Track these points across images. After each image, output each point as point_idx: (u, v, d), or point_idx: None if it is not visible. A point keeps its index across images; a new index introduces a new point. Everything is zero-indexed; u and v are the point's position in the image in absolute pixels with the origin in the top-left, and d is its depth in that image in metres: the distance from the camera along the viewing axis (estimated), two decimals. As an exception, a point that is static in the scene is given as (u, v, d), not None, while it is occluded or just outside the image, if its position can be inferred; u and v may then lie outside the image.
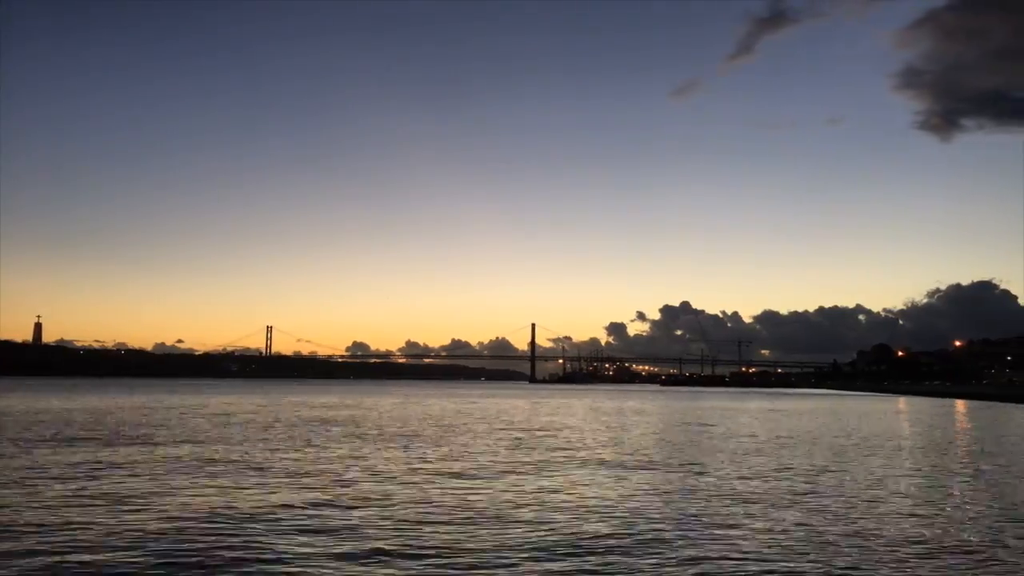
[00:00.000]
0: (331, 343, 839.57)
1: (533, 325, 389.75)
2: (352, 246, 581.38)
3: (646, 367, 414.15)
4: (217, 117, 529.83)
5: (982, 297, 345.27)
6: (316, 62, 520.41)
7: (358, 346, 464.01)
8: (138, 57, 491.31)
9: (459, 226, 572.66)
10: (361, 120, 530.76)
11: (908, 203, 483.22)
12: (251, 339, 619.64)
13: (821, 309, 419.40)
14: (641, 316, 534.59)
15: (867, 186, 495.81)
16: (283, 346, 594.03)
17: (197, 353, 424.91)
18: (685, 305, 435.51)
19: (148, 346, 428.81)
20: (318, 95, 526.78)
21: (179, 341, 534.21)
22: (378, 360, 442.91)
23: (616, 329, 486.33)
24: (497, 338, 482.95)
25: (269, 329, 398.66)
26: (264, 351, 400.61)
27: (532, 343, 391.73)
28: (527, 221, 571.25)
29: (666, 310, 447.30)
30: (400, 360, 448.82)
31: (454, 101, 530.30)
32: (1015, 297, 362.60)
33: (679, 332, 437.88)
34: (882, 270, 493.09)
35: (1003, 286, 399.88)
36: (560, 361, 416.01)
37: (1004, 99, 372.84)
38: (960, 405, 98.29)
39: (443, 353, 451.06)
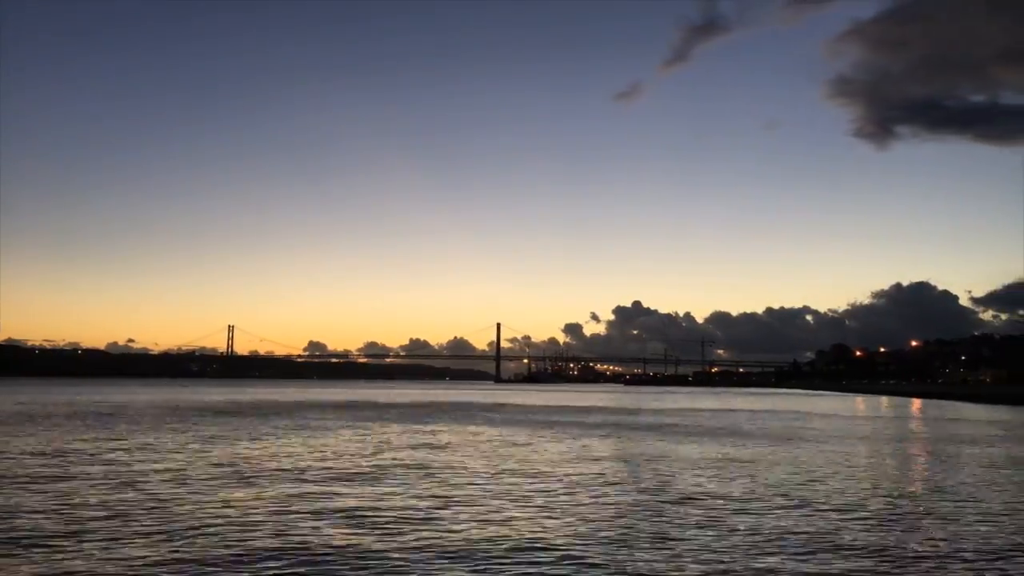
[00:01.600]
0: (290, 342, 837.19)
1: (498, 325, 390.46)
2: (311, 245, 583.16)
3: (610, 367, 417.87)
4: (173, 115, 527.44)
5: (923, 297, 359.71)
6: (277, 64, 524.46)
7: (315, 346, 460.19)
8: (99, 57, 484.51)
9: (415, 226, 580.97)
10: (321, 121, 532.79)
11: (848, 208, 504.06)
12: (209, 339, 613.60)
13: (770, 310, 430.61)
14: (595, 317, 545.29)
15: (807, 191, 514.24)
16: (240, 345, 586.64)
17: (152, 353, 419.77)
18: (637, 305, 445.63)
19: (100, 346, 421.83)
20: (275, 96, 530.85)
21: (130, 340, 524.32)
22: (340, 360, 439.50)
23: (573, 330, 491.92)
24: (456, 338, 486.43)
25: (231, 329, 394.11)
26: (226, 351, 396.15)
27: (497, 343, 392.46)
28: (483, 222, 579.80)
29: (619, 311, 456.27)
30: (361, 360, 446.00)
31: (409, 103, 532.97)
32: (956, 297, 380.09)
33: (635, 332, 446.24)
34: (826, 272, 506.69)
35: (940, 287, 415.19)
36: (526, 361, 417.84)
37: (935, 107, 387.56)
38: (916, 402, 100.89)
39: (402, 353, 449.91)
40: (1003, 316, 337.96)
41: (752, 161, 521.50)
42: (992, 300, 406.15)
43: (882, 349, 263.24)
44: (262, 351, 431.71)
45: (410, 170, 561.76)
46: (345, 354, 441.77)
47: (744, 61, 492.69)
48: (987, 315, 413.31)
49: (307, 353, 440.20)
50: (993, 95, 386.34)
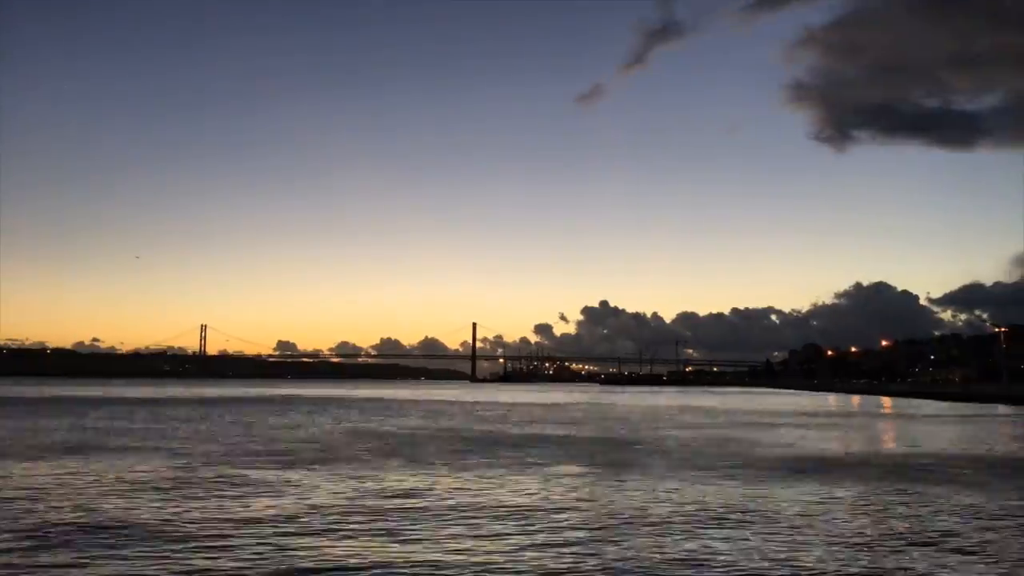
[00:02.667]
0: (260, 341, 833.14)
1: (474, 324, 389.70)
2: (280, 245, 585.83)
3: (585, 366, 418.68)
4: (144, 113, 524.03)
5: (884, 297, 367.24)
6: (249, 69, 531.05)
7: (284, 345, 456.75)
8: (76, 57, 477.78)
9: (386, 227, 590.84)
10: (293, 123, 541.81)
11: (809, 210, 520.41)
12: (179, 339, 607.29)
13: (736, 310, 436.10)
14: (563, 318, 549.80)
15: (769, 193, 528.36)
16: (209, 346, 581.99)
17: (120, 352, 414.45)
18: (604, 304, 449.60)
19: (66, 345, 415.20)
20: (247, 99, 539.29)
21: (95, 340, 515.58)
22: (314, 360, 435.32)
23: (543, 330, 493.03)
24: (427, 337, 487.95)
25: (203, 328, 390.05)
26: (198, 351, 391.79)
27: (473, 343, 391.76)
28: (452, 223, 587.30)
29: (588, 311, 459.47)
30: (335, 360, 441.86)
31: (379, 106, 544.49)
32: (916, 297, 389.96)
33: (605, 332, 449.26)
34: (789, 273, 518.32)
35: (900, 288, 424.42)
36: (501, 360, 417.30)
37: (890, 113, 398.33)
38: (886, 401, 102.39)
39: (373, 352, 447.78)
40: (962, 316, 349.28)
41: (714, 163, 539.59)
42: (950, 300, 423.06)
43: (853, 349, 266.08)
44: (231, 351, 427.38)
45: (380, 171, 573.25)
46: (316, 354, 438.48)
47: (701, 65, 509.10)
48: (946, 315, 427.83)
49: (278, 353, 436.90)
50: (945, 100, 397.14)
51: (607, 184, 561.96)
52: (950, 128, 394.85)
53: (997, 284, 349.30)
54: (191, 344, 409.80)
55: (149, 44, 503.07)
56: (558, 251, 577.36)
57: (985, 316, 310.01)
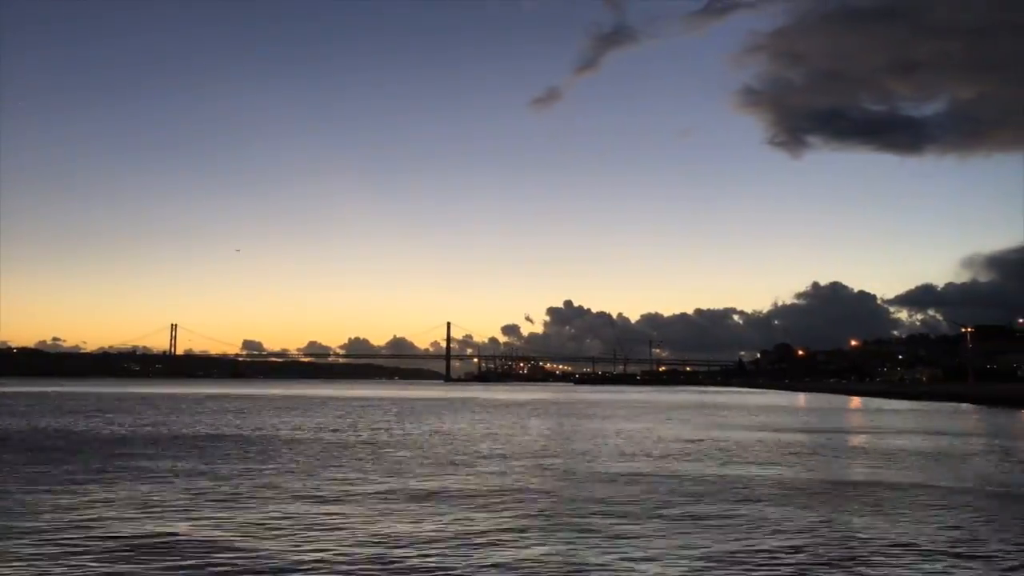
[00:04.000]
0: (227, 340, 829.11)
1: (448, 324, 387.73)
2: (246, 244, 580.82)
3: (559, 366, 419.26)
4: (106, 112, 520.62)
5: (843, 297, 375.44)
6: (215, 67, 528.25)
7: (251, 344, 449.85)
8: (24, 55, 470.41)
9: (355, 228, 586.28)
10: (259, 121, 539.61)
11: (766, 213, 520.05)
12: (147, 339, 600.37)
13: (700, 311, 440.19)
14: (528, 319, 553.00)
15: (726, 196, 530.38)
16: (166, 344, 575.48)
17: (84, 351, 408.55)
18: (569, 304, 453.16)
19: (28, 344, 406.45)
20: (211, 96, 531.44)
21: (56, 339, 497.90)
22: (283, 360, 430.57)
23: (511, 330, 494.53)
24: (395, 337, 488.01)
25: (173, 327, 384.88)
26: (168, 350, 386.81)
27: (447, 342, 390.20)
28: (418, 224, 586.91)
29: (553, 312, 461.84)
30: (305, 360, 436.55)
31: (345, 107, 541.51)
32: (874, 297, 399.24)
33: (572, 331, 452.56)
34: (748, 274, 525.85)
35: (856, 287, 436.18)
36: (476, 360, 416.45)
37: (839, 118, 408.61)
38: (855, 400, 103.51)
39: (341, 352, 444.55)
40: (919, 316, 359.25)
41: (669, 166, 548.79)
42: (903, 301, 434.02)
43: (823, 350, 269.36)
44: (197, 350, 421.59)
45: (348, 172, 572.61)
46: (283, 353, 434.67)
47: (653, 70, 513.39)
48: (903, 315, 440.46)
49: (245, 353, 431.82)
50: (891, 107, 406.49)
51: (565, 187, 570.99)
52: (897, 134, 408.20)
53: (949, 285, 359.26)
54: (157, 344, 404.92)
55: (117, 43, 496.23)
56: (521, 252, 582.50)
57: (939, 316, 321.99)
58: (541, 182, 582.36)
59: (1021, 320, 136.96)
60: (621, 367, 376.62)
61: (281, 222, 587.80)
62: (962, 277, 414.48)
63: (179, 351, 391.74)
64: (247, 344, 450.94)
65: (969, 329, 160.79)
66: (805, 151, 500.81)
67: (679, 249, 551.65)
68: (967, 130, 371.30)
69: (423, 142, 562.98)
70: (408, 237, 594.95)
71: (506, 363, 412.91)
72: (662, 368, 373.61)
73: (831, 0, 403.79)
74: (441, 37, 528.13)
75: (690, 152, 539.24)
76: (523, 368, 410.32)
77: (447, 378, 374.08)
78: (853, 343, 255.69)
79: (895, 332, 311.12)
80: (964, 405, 77.83)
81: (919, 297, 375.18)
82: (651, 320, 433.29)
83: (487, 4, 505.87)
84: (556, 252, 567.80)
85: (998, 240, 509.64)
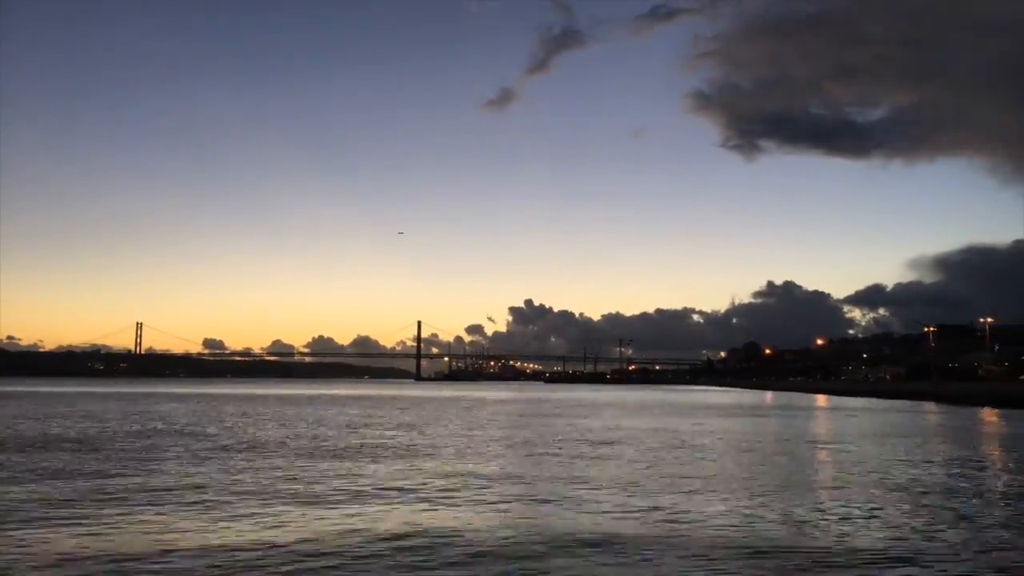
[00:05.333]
0: (192, 339, 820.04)
1: (419, 323, 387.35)
2: (207, 243, 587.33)
3: (530, 365, 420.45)
4: (68, 109, 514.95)
5: (798, 297, 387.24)
6: (182, 65, 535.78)
7: (212, 343, 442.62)
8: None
9: (317, 226, 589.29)
10: (221, 119, 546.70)
11: (722, 215, 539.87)
12: (109, 338, 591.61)
13: (660, 310, 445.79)
14: (490, 319, 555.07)
15: (681, 197, 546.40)
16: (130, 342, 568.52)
17: (43, 350, 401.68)
18: (529, 303, 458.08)
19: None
20: (173, 96, 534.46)
21: (10, 338, 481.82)
22: (248, 359, 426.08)
23: (476, 330, 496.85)
24: (358, 336, 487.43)
25: (139, 326, 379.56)
26: (134, 349, 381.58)
27: (418, 341, 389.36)
28: (381, 224, 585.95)
29: (515, 311, 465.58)
30: (270, 358, 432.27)
31: (304, 107, 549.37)
32: (828, 295, 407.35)
33: (535, 330, 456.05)
34: (705, 274, 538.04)
35: (809, 287, 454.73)
36: (446, 359, 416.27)
37: (789, 123, 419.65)
38: (821, 399, 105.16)
39: (306, 350, 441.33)
40: (871, 316, 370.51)
41: (625, 167, 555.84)
42: (854, 300, 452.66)
43: (788, 348, 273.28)
44: (158, 348, 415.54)
45: (310, 172, 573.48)
46: (247, 352, 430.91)
47: (604, 72, 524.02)
48: (855, 314, 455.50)
49: (208, 351, 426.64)
50: (838, 112, 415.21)
51: (522, 187, 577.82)
52: (845, 139, 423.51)
53: (897, 285, 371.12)
54: (118, 343, 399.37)
55: (86, 44, 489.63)
56: (481, 252, 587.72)
57: (888, 315, 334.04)
58: (498, 182, 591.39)
59: (981, 320, 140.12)
60: (591, 366, 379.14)
61: (244, 221, 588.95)
62: (908, 277, 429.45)
63: (142, 351, 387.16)
64: (208, 343, 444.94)
65: (931, 328, 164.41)
66: (759, 155, 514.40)
67: (636, 249, 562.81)
68: (911, 135, 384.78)
69: (382, 143, 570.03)
70: (371, 237, 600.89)
71: (476, 362, 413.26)
72: (632, 367, 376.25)
73: (773, 6, 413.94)
74: (390, 39, 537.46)
75: (644, 154, 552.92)
76: (494, 367, 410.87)
77: (418, 377, 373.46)
78: (819, 342, 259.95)
79: (850, 331, 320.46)
80: (927, 404, 79.49)
81: (869, 296, 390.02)
82: (613, 319, 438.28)
83: (432, 6, 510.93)
84: (515, 252, 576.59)
85: (942, 242, 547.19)
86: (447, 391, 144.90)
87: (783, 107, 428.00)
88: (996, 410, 63.72)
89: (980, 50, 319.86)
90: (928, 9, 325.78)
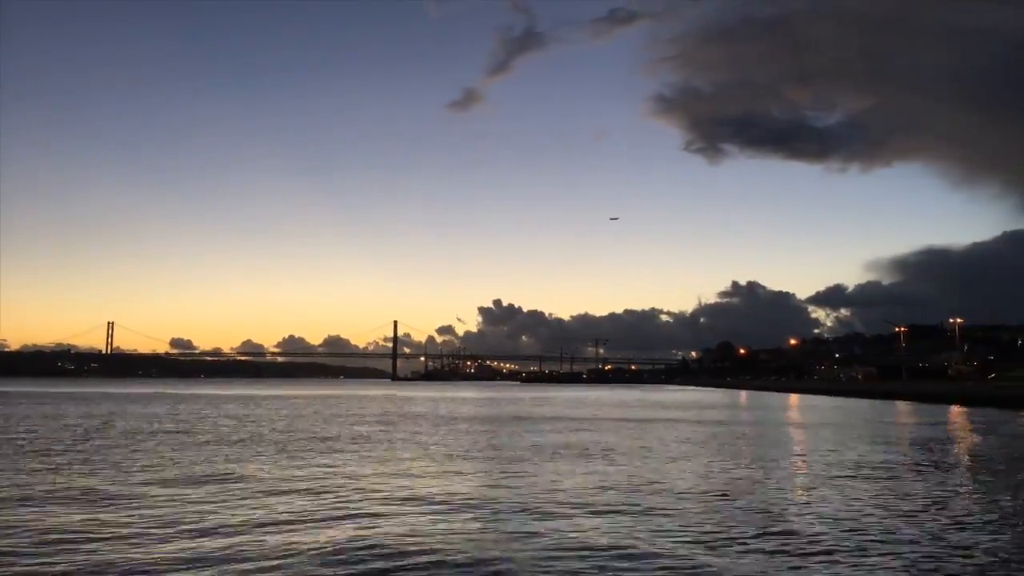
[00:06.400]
0: (162, 338, 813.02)
1: (395, 323, 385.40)
2: (177, 243, 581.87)
3: (507, 365, 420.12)
4: (34, 107, 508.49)
5: (761, 296, 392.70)
6: (149, 64, 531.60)
7: (180, 343, 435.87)
8: None
9: (287, 226, 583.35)
10: (193, 120, 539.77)
11: (687, 216, 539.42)
12: (78, 338, 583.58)
13: (629, 311, 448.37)
14: (459, 319, 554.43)
15: (646, 199, 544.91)
16: (101, 343, 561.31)
17: (8, 350, 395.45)
18: (498, 303, 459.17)
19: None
20: (146, 94, 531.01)
21: None
22: (216, 359, 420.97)
23: (447, 331, 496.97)
24: (328, 336, 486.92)
25: (110, 325, 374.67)
26: (105, 349, 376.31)
27: (394, 340, 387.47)
28: (351, 224, 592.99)
29: (485, 312, 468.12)
30: (241, 357, 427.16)
31: (275, 108, 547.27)
32: (792, 294, 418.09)
33: (506, 329, 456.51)
34: (671, 274, 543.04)
35: (773, 287, 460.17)
36: (423, 359, 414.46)
37: (750, 127, 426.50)
38: (793, 398, 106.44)
39: (277, 350, 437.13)
40: (835, 315, 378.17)
41: (589, 169, 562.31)
42: (817, 300, 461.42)
43: (762, 348, 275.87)
44: (126, 348, 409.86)
45: (278, 172, 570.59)
46: (217, 352, 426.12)
47: (565, 75, 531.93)
48: (820, 313, 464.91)
49: (177, 351, 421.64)
50: (797, 115, 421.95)
51: (489, 188, 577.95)
52: (804, 142, 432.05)
53: (857, 286, 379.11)
54: (87, 343, 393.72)
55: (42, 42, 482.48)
56: (449, 252, 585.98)
57: (848, 314, 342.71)
58: (464, 183, 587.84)
59: (951, 320, 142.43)
60: (568, 366, 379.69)
61: (213, 221, 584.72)
62: (868, 278, 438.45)
63: (112, 350, 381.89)
64: (175, 342, 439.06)
65: (902, 329, 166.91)
66: (723, 158, 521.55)
67: (602, 250, 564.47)
68: (867, 140, 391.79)
69: (350, 143, 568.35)
70: (341, 237, 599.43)
71: (453, 362, 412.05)
72: (608, 367, 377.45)
73: (730, 10, 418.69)
74: (353, 42, 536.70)
75: (608, 156, 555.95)
76: (470, 367, 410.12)
77: (394, 377, 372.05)
78: (792, 342, 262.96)
79: (816, 330, 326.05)
80: (900, 403, 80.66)
81: (831, 297, 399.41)
82: (583, 319, 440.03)
83: (393, 9, 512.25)
84: (483, 253, 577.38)
85: (900, 244, 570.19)
86: (423, 391, 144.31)
87: (744, 111, 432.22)
88: (964, 408, 65.05)
89: (932, 57, 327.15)
90: (881, 16, 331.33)
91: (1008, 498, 17.77)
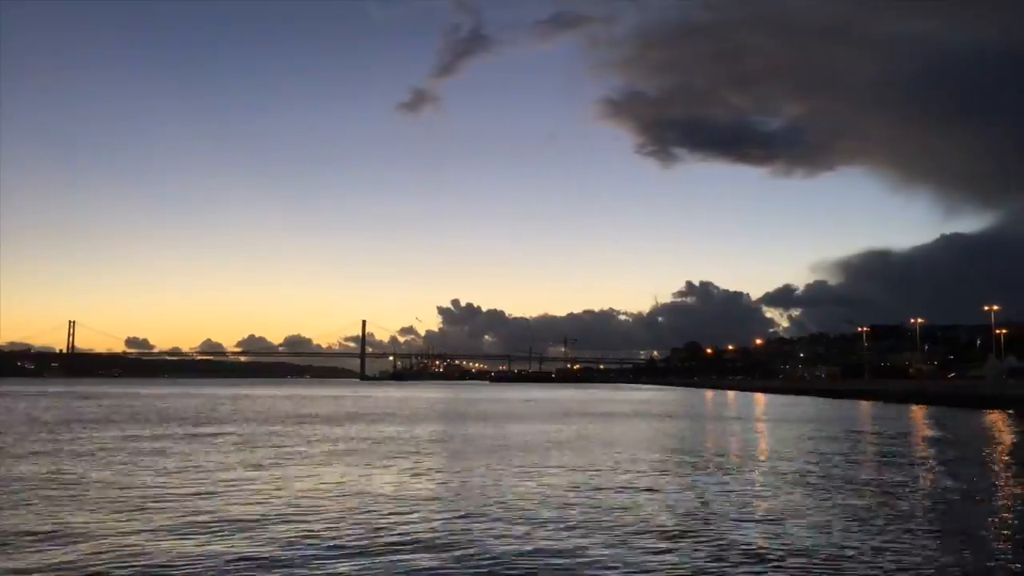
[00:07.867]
0: (115, 334, 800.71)
1: (364, 322, 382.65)
2: (137, 241, 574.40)
3: (475, 364, 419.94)
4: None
5: (715, 297, 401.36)
6: (111, 68, 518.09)
7: (136, 342, 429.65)
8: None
9: (246, 226, 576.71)
10: (149, 120, 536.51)
11: (637, 217, 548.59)
12: (37, 338, 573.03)
13: (588, 311, 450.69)
14: (418, 319, 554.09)
15: (599, 201, 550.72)
16: (61, 342, 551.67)
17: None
18: (457, 303, 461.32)
19: None
20: (99, 96, 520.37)
21: None
22: (177, 358, 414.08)
23: (408, 331, 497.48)
24: (290, 336, 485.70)
25: (71, 324, 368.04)
26: (66, 348, 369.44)
27: (362, 341, 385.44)
28: (309, 225, 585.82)
29: (444, 312, 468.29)
30: (203, 357, 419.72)
31: (229, 104, 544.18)
32: (745, 294, 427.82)
33: (467, 329, 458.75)
34: (625, 275, 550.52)
35: (727, 288, 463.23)
36: (391, 358, 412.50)
37: (697, 130, 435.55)
38: (761, 397, 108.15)
39: (238, 350, 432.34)
40: (788, 314, 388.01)
41: (541, 171, 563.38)
42: (769, 301, 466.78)
43: (729, 347, 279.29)
44: (82, 347, 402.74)
45: (237, 174, 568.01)
46: (176, 351, 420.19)
47: (514, 77, 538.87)
48: (774, 313, 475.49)
49: (135, 351, 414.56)
50: (741, 120, 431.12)
51: (442, 189, 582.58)
52: (749, 146, 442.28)
53: (806, 286, 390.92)
54: (46, 343, 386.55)
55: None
56: (408, 254, 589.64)
57: (798, 314, 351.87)
58: (417, 184, 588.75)
59: (912, 320, 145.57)
60: (537, 365, 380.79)
61: (172, 222, 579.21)
62: (814, 279, 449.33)
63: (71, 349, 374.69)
64: (131, 341, 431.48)
65: (865, 329, 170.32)
66: (674, 161, 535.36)
67: (558, 251, 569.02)
68: (809, 144, 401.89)
69: (304, 145, 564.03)
70: (300, 238, 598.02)
71: (421, 361, 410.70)
72: (576, 367, 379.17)
73: (670, 15, 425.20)
74: (299, 42, 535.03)
75: (559, 157, 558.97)
76: (438, 366, 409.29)
77: (363, 377, 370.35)
78: (757, 342, 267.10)
79: (771, 329, 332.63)
80: (863, 403, 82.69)
81: (782, 297, 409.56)
82: (544, 320, 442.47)
83: (336, 11, 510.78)
84: (440, 253, 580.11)
85: (843, 246, 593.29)
86: (395, 391, 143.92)
87: (689, 115, 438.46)
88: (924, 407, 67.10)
89: (866, 65, 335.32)
90: (816, 25, 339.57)
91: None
